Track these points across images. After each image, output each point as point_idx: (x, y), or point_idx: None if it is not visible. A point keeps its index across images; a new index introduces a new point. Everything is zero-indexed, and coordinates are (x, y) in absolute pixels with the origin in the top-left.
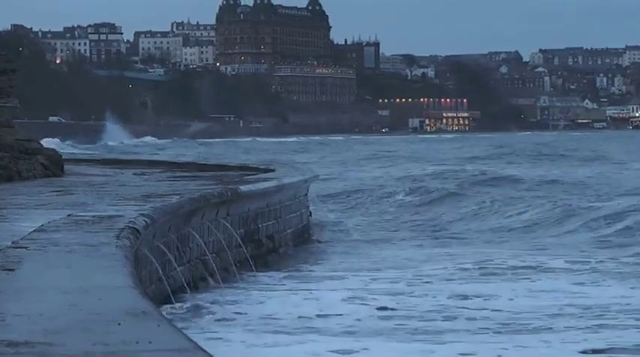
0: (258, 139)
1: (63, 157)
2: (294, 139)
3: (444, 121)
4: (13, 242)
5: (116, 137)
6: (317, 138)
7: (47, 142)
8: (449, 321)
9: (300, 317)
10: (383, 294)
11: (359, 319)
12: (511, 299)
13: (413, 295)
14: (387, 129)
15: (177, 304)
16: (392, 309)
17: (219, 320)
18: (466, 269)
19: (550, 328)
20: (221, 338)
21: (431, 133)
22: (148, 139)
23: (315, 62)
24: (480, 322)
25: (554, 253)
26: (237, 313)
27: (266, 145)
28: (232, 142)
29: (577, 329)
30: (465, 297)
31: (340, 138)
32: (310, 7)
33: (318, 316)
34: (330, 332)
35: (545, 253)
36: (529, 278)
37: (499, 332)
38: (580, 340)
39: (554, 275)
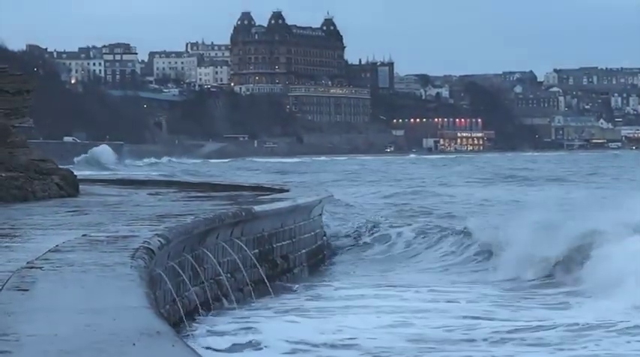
0: (255, 159)
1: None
2: (295, 159)
3: (459, 141)
4: (27, 262)
5: (135, 158)
6: (323, 158)
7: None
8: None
9: (321, 334)
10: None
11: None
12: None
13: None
14: (392, 149)
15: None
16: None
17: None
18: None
19: None
20: None
21: (436, 153)
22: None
23: (330, 82)
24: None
25: None
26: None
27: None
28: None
29: None
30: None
31: (343, 158)
32: (325, 27)
33: (349, 339)
34: None
35: None
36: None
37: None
38: None
39: None
